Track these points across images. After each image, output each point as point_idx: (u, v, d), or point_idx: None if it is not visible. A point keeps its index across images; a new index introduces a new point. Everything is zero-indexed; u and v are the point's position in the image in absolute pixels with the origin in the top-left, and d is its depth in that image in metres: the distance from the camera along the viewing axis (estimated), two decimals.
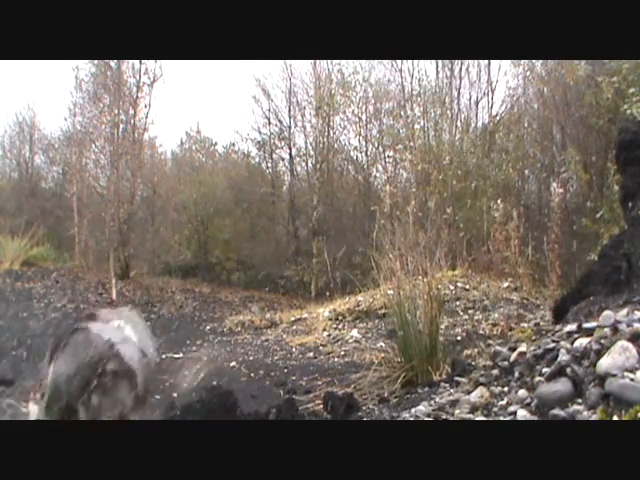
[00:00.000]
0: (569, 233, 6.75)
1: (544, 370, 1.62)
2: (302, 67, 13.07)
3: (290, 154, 10.80)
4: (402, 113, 9.43)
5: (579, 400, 1.43)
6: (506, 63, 8.72)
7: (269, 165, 11.31)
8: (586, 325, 1.74)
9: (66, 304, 7.50)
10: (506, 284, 6.04)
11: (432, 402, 2.08)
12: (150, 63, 9.97)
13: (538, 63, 7.77)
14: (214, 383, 3.52)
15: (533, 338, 2.11)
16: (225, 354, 5.00)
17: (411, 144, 8.97)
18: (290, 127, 10.66)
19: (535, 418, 1.47)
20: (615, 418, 1.29)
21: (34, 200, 12.66)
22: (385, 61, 9.66)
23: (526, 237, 6.61)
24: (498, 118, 9.23)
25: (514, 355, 1.86)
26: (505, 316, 4.99)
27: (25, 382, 3.36)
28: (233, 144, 12.75)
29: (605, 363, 1.43)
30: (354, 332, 5.33)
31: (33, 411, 1.89)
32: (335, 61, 9.94)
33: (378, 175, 10.21)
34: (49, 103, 24.72)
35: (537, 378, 1.60)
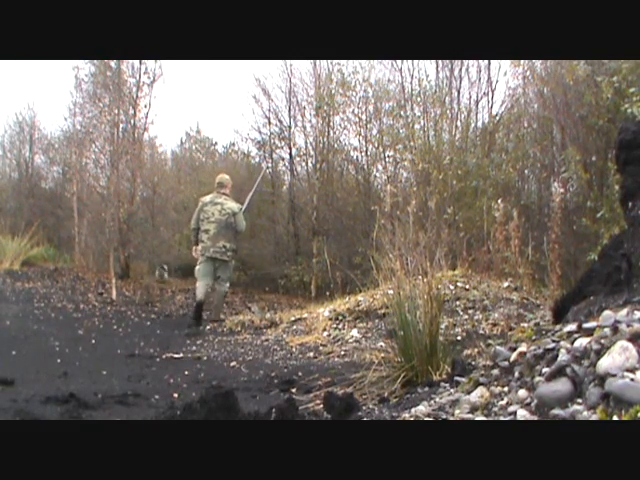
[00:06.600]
0: (569, 233, 6.75)
1: (544, 370, 1.62)
2: (302, 67, 13.09)
3: (290, 154, 10.79)
4: (402, 113, 9.41)
5: (579, 400, 1.43)
6: (506, 63, 8.71)
7: (269, 165, 11.29)
8: (586, 325, 1.74)
9: (66, 304, 7.51)
10: (506, 284, 6.04)
11: (432, 402, 2.07)
12: (150, 63, 9.98)
13: (538, 63, 7.77)
14: (214, 383, 3.53)
15: (533, 338, 2.10)
16: (225, 354, 5.00)
17: (411, 144, 8.97)
18: (290, 127, 10.65)
19: (535, 418, 1.47)
20: (615, 418, 1.29)
21: (34, 200, 12.65)
22: (385, 61, 9.66)
23: (526, 237, 6.60)
24: (498, 118, 9.22)
25: (514, 355, 1.86)
26: (505, 316, 4.99)
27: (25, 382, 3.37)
28: (233, 144, 12.76)
29: (605, 363, 1.43)
30: (354, 332, 5.33)
31: None
32: (335, 61, 9.94)
33: (378, 175, 10.20)
34: (49, 103, 24.79)
35: (537, 378, 1.60)
